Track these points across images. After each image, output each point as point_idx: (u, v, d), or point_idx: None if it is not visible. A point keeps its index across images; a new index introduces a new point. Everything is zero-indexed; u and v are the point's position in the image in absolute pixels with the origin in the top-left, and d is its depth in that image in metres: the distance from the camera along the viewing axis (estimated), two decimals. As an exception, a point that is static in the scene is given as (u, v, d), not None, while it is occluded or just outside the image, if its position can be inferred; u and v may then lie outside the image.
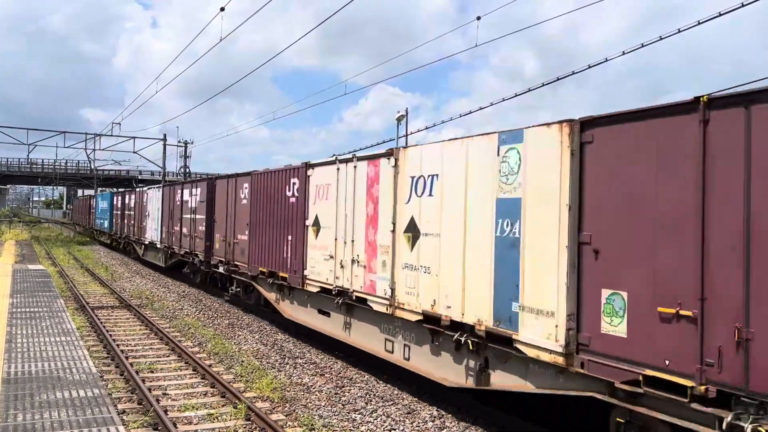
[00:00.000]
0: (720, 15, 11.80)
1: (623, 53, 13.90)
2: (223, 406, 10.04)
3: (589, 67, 14.64)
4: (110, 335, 14.82)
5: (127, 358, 12.67)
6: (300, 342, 15.21)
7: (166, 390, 10.82)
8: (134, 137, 51.51)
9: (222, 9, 17.41)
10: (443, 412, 9.98)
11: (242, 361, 12.95)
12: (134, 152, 51.32)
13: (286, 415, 9.64)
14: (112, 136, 49.20)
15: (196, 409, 9.82)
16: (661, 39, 13.03)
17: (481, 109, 20.03)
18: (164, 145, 54.54)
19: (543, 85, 16.56)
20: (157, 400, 9.93)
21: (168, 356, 13.42)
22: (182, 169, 55.10)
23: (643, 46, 13.51)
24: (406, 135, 31.26)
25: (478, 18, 16.38)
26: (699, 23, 12.15)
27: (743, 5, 11.03)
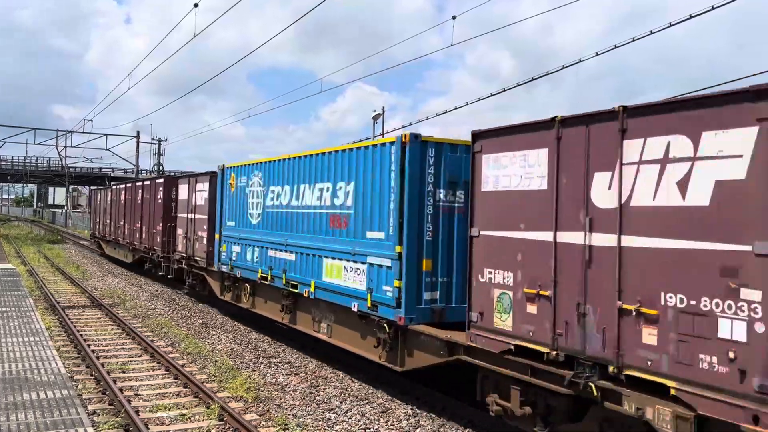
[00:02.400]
0: (691, 17, 11.98)
1: (596, 54, 14.05)
2: (196, 406, 9.94)
3: (564, 67, 14.77)
4: (81, 335, 14.59)
5: (98, 358, 12.47)
6: (275, 341, 15.12)
7: (138, 390, 10.68)
8: (106, 134, 50.86)
9: (196, 5, 17.24)
10: (418, 411, 9.98)
11: (216, 361, 12.83)
12: (106, 149, 50.70)
13: (259, 415, 9.57)
14: (83, 133, 48.54)
15: (169, 409, 9.70)
16: (633, 40, 13.19)
17: (456, 108, 20.13)
18: (137, 143, 53.95)
19: (518, 85, 16.67)
20: (129, 401, 9.79)
21: (140, 356, 13.25)
22: (156, 167, 54.48)
23: (616, 47, 13.66)
24: (383, 134, 31.30)
25: (454, 17, 16.43)
26: (670, 25, 12.32)
27: (713, 8, 11.20)
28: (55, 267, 31.28)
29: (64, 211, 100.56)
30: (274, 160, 14.32)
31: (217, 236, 17.34)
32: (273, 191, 14.40)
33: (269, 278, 14.14)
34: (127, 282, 26.45)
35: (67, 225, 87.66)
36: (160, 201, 22.99)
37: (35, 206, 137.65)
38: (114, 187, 33.05)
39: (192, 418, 9.36)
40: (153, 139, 54.51)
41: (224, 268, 16.89)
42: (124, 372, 11.84)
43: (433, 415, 9.79)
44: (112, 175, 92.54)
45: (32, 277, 26.23)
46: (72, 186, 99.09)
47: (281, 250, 13.72)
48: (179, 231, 21.13)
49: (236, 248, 16.20)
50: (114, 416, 9.26)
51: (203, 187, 18.92)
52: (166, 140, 54.21)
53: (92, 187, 38.62)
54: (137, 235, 26.72)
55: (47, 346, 11.54)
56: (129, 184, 29.34)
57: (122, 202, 30.14)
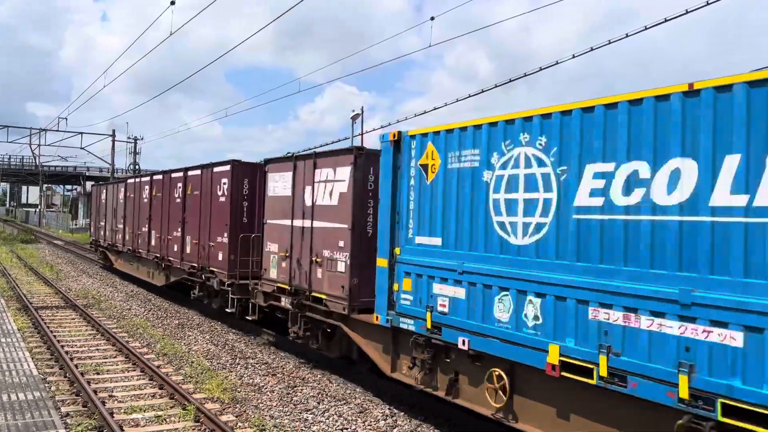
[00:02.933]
0: (666, 21, 12.14)
1: (573, 56, 14.17)
2: (171, 407, 9.85)
3: (540, 69, 14.88)
4: (54, 336, 14.38)
5: (71, 359, 12.30)
6: (252, 342, 15.04)
7: (112, 392, 10.56)
8: (81, 133, 50.23)
9: (173, 2, 17.09)
10: (395, 411, 10.00)
11: (192, 362, 12.73)
12: (81, 148, 50.07)
13: (236, 416, 9.52)
14: (58, 131, 47.87)
15: (144, 411, 9.61)
16: (609, 43, 13.33)
17: (435, 109, 20.19)
18: (113, 141, 53.38)
19: (495, 86, 16.75)
20: (103, 402, 9.67)
21: (115, 357, 13.10)
22: (132, 166, 53.91)
23: (592, 49, 13.79)
24: (362, 134, 31.29)
25: (432, 18, 16.48)
26: (646, 28, 12.48)
27: (687, 12, 11.36)
28: (28, 267, 30.80)
29: (37, 210, 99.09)
30: (603, 105, 6.74)
31: (382, 262, 9.90)
32: (598, 174, 6.75)
33: (603, 376, 6.54)
34: (102, 282, 26.13)
35: (41, 224, 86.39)
36: (223, 199, 16.23)
37: (8, 205, 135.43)
38: (131, 181, 25.28)
39: (167, 420, 9.27)
40: (129, 137, 53.99)
41: (409, 325, 9.28)
42: (98, 373, 11.70)
43: (411, 415, 9.81)
44: (87, 174, 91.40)
45: (4, 277, 25.81)
46: (46, 185, 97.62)
47: (670, 316, 6.02)
48: (270, 247, 13.67)
49: (447, 289, 8.69)
50: (88, 418, 9.15)
51: (341, 174, 11.32)
52: (142, 139, 53.72)
53: (92, 183, 33.48)
54: (175, 248, 19.38)
55: (19, 348, 11.36)
56: (159, 177, 21.51)
57: (145, 200, 22.54)
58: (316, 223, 11.88)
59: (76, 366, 11.79)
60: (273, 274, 13.45)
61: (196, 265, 17.80)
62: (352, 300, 10.84)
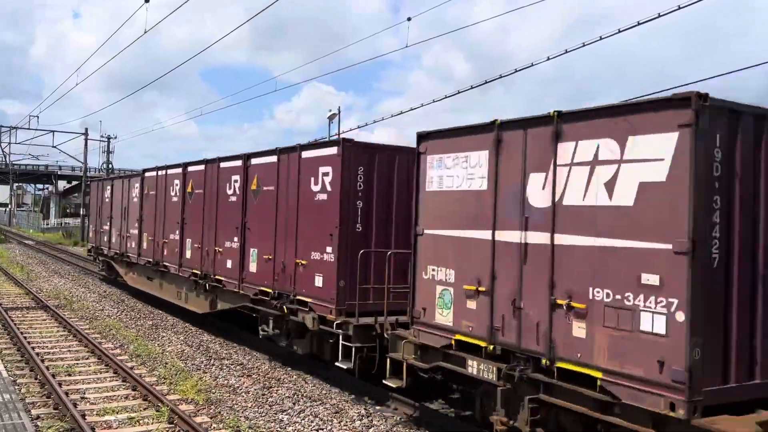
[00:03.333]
0: (639, 24, 12.31)
1: (548, 58, 14.30)
2: (145, 409, 9.75)
3: (516, 71, 14.99)
4: (24, 337, 14.14)
5: (42, 361, 12.10)
6: (227, 342, 14.94)
7: (84, 394, 10.41)
8: (53, 131, 49.55)
9: (147, 0, 16.91)
10: (371, 411, 10.00)
11: (166, 363, 12.61)
12: (53, 146, 49.37)
13: (211, 418, 9.45)
14: (29, 129, 47.12)
15: (117, 412, 9.49)
16: (584, 45, 13.48)
17: (412, 109, 20.22)
18: (86, 140, 52.70)
19: (471, 87, 16.84)
20: (75, 405, 9.54)
21: (87, 359, 12.92)
22: (105, 165, 53.23)
23: (567, 51, 13.94)
24: (338, 133, 31.26)
25: (409, 19, 16.54)
26: (619, 31, 12.64)
27: (660, 15, 11.53)
28: (-3, 267, 30.26)
29: (8, 209, 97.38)
30: None
31: None
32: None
33: None
34: (74, 283, 25.76)
35: (11, 224, 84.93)
36: (323, 197, 11.18)
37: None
38: (150, 174, 19.37)
39: (141, 421, 9.17)
40: (102, 136, 53.32)
41: None
42: (70, 375, 11.53)
43: (387, 415, 9.82)
44: (59, 173, 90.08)
45: (-27, 277, 25.32)
46: (16, 184, 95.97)
47: None
48: (435, 272, 8.70)
49: None
50: (59, 420, 9.01)
51: (650, 147, 6.13)
52: (115, 138, 53.06)
53: (90, 179, 28.76)
54: (228, 264, 14.17)
55: (-11, 349, 11.16)
56: (198, 167, 16.21)
57: (174, 199, 17.37)
58: (569, 239, 6.81)
59: (47, 368, 11.61)
60: (443, 317, 8.41)
61: (268, 289, 12.49)
62: (692, 394, 5.69)
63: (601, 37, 13.13)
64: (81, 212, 56.87)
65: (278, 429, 9.15)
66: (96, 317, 17.77)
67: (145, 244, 19.58)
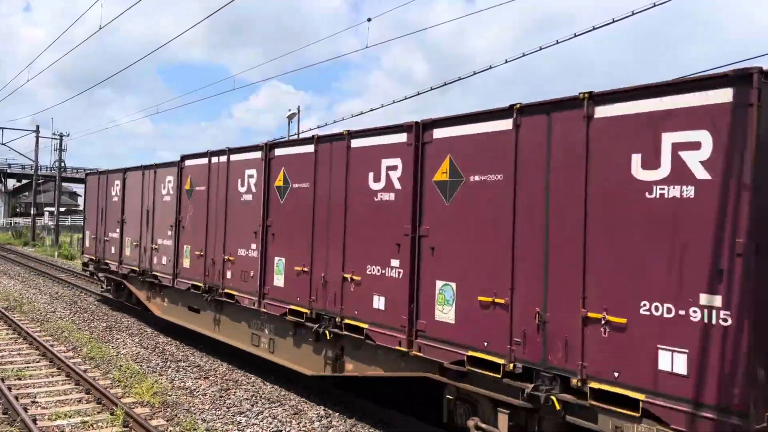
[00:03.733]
0: (594, 29, 12.58)
1: (506, 61, 14.48)
2: (99, 413, 9.55)
3: (475, 73, 15.13)
4: (-28, 341, 13.71)
5: (-9, 365, 11.77)
6: (183, 345, 14.73)
7: (35, 398, 10.15)
8: (2, 128, 48.17)
9: (102, -4, 16.57)
10: (330, 411, 9.99)
11: (121, 366, 12.37)
12: (2, 144, 47.98)
13: (167, 420, 9.31)
14: (-24, 125, 45.69)
15: (69, 417, 9.28)
16: (541, 49, 13.69)
17: (372, 110, 20.23)
18: (37, 137, 51.36)
19: (431, 89, 16.92)
20: (25, 409, 9.29)
21: (38, 362, 12.59)
22: (57, 163, 51.90)
23: (524, 55, 14.14)
24: (298, 133, 31.13)
25: (369, 20, 16.55)
26: (575, 35, 12.89)
27: (614, 21, 11.81)
28: (-57, 268, 29.24)
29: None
30: None
31: None
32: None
33: None
34: (24, 284, 25.05)
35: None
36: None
37: None
38: (199, 162, 13.80)
39: (95, 425, 8.99)
40: (54, 133, 51.89)
41: None
42: (20, 379, 11.22)
43: (346, 416, 9.82)
44: (8, 171, 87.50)
45: None
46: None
47: None
48: None
49: None
50: (9, 426, 8.78)
51: None
52: (68, 135, 51.74)
53: (88, 172, 22.33)
54: (377, 302, 8.68)
55: (-67, 353, 10.79)
56: (299, 149, 10.58)
57: (248, 196, 11.87)
58: None
59: (-4, 371, 11.28)
60: None
61: (536, 359, 6.74)
62: None
63: (557, 41, 13.36)
64: (32, 212, 55.33)
65: (236, 431, 9.08)
66: (47, 319, 17.32)
67: (186, 261, 13.90)
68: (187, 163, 14.26)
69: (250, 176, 11.75)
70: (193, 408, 10.01)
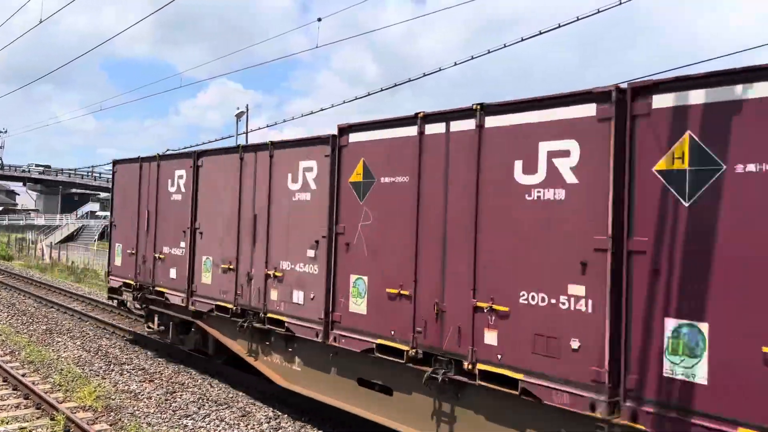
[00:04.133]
0: (540, 33, 12.81)
1: (455, 64, 14.65)
2: (38, 418, 9.26)
3: (424, 75, 15.25)
4: None
5: None
6: (127, 347, 14.39)
7: (-31, 404, 9.77)
8: (-65, 123, 46.21)
9: (43, -12, 16.05)
10: (279, 413, 9.92)
11: (62, 369, 12.00)
12: (-65, 140, 45.92)
13: (110, 425, 9.09)
14: None
15: (6, 423, 8.97)
16: (489, 52, 13.87)
17: (322, 110, 20.18)
18: (-28, 133, 49.38)
19: (381, 90, 16.98)
20: (-41, 416, 8.95)
21: (-27, 367, 12.11)
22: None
23: (473, 58, 14.31)
24: (246, 132, 30.81)
25: (319, 19, 16.50)
26: (522, 39, 13.11)
27: (560, 26, 12.06)
28: None
29: None
30: None
31: None
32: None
33: None
34: (-43, 286, 24.05)
35: None
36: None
37: None
38: (462, 126, 7.20)
39: (34, 431, 8.71)
40: (-9, 130, 49.93)
41: None
42: (-47, 384, 10.79)
43: (294, 417, 9.77)
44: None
45: None
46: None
47: None
48: None
49: None
50: (-59, 433, 8.43)
51: None
52: (5, 132, 49.90)
53: (116, 160, 15.07)
54: None
55: None
56: None
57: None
58: None
59: (-72, 377, 10.81)
60: None
61: None
62: None
63: (505, 44, 13.56)
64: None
65: (182, 434, 8.93)
66: (-17, 322, 16.68)
67: (361, 302, 8.22)
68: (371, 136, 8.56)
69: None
70: (137, 411, 9.80)
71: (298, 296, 9.35)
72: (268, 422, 9.53)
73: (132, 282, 13.70)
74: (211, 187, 11.48)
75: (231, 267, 10.64)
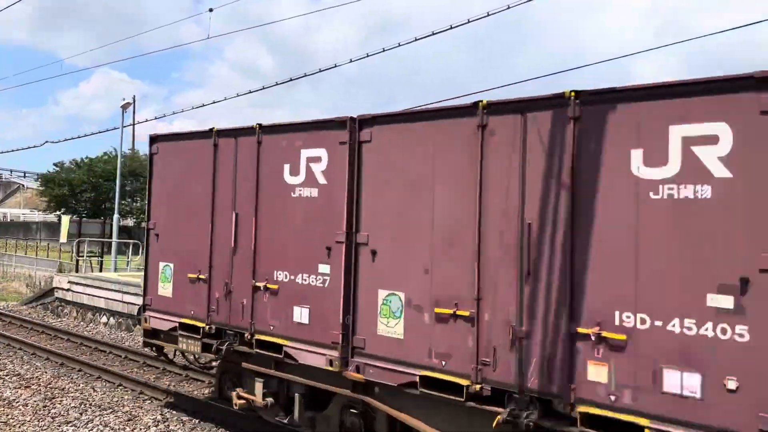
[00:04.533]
0: (433, 34, 13.13)
1: (351, 60, 14.72)
2: None
3: (320, 70, 15.24)
4: None
5: None
6: (1, 352, 13.47)
7: None
8: None
9: None
10: (167, 416, 9.62)
11: (-77, 378, 11.07)
12: None
13: (-20, 436, 8.49)
14: None
15: None
16: (384, 51, 14.06)
17: (215, 102, 19.73)
18: None
19: (276, 84, 16.81)
20: None
21: None
22: None
23: (368, 55, 14.44)
24: (133, 124, 29.56)
25: (211, 10, 16.11)
26: (416, 39, 13.38)
27: (452, 27, 12.41)
28: None
29: None
30: None
31: None
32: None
33: None
34: None
35: None
36: None
37: None
38: None
39: None
40: None
41: None
42: None
43: (184, 418, 9.51)
44: None
45: None
46: None
47: None
48: None
49: None
50: None
51: None
52: None
53: (154, 135, 9.76)
54: None
55: None
56: None
57: None
58: None
59: None
60: None
61: None
62: None
63: (399, 43, 13.78)
64: None
65: (62, 443, 8.48)
66: None
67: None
68: None
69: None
70: (11, 420, 9.20)
71: None
72: (156, 426, 9.21)
73: (200, 323, 8.72)
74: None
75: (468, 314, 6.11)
